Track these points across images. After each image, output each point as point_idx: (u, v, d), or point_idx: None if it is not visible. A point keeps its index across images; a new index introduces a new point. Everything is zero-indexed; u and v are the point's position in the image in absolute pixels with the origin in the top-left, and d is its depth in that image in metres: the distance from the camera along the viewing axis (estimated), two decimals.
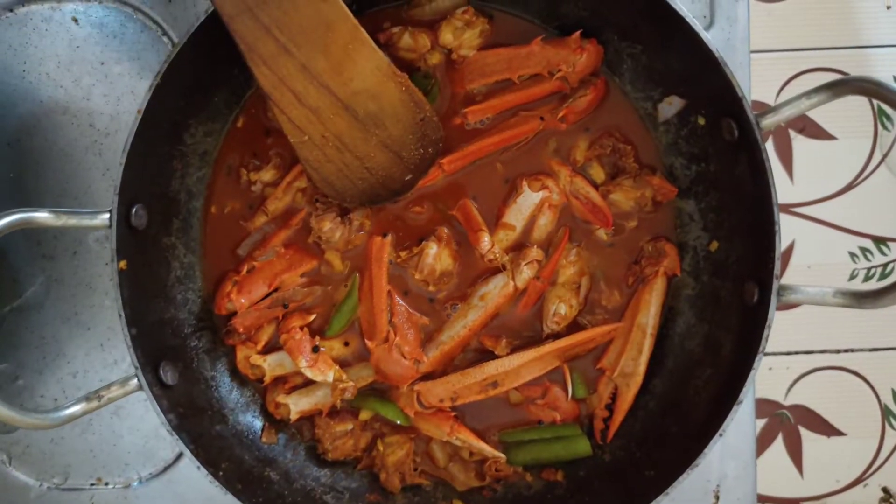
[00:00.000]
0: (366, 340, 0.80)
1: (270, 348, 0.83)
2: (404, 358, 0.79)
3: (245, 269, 0.81)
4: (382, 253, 0.80)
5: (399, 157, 0.77)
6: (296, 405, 0.81)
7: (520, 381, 0.80)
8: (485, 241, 0.79)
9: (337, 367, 0.80)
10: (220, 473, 0.71)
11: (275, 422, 0.83)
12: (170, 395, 0.72)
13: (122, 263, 0.69)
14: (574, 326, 0.82)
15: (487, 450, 0.80)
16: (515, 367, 0.79)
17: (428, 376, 0.81)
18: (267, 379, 0.82)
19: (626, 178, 0.81)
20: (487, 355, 0.81)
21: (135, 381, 0.68)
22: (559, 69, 0.79)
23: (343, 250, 0.82)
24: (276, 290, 0.81)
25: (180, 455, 0.88)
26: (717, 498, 0.91)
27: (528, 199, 0.81)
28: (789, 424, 1.29)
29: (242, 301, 0.80)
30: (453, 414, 0.81)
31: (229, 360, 0.83)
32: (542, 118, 0.81)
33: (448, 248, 0.81)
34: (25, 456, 0.89)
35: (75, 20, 0.88)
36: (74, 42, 0.88)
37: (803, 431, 1.29)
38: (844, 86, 0.63)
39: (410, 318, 0.81)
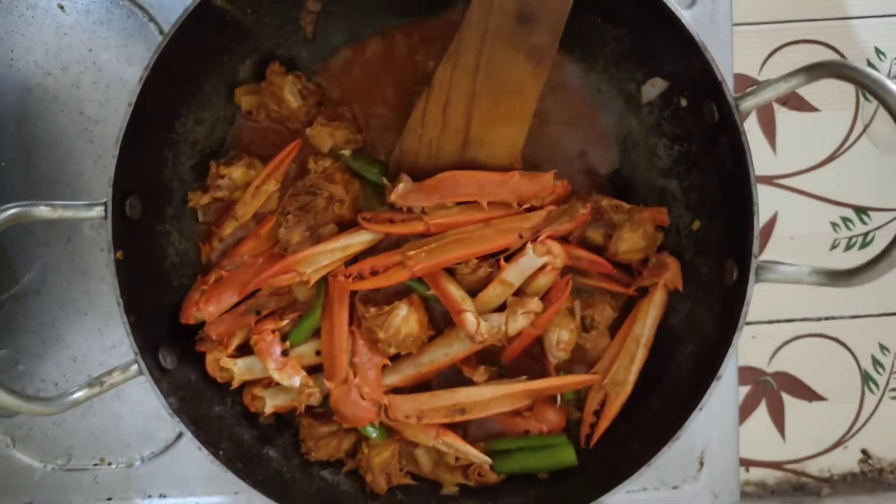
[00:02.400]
0: (325, 380, 0.79)
1: (241, 352, 0.82)
2: (363, 399, 0.78)
3: (213, 278, 0.80)
4: (344, 294, 0.79)
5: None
6: (272, 399, 0.81)
7: (487, 413, 0.80)
8: (470, 321, 0.77)
9: (304, 373, 0.79)
10: (221, 453, 0.73)
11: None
12: (169, 378, 0.74)
13: (119, 254, 0.70)
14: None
15: (474, 454, 0.81)
16: (485, 400, 0.79)
17: (399, 389, 0.81)
18: (235, 383, 0.80)
19: (620, 230, 0.81)
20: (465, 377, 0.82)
21: (135, 366, 0.70)
22: (529, 203, 0.80)
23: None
24: (248, 296, 0.81)
25: (180, 435, 0.91)
26: (702, 464, 0.94)
27: (531, 261, 0.79)
28: (772, 391, 1.33)
29: (211, 310, 0.79)
30: None
31: None
32: (520, 235, 0.79)
33: (418, 312, 0.80)
34: (29, 439, 0.91)
35: (61, 7, 0.88)
36: (61, 29, 0.88)
37: (786, 397, 1.32)
38: (821, 69, 0.64)
39: (372, 358, 0.80)
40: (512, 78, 0.74)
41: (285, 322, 0.81)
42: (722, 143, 0.72)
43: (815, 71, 0.64)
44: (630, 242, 0.80)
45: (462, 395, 0.80)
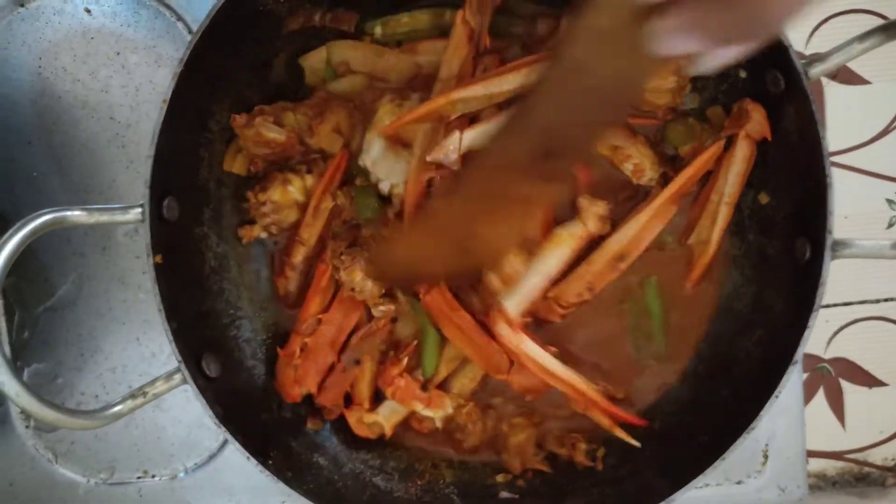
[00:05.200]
0: (497, 377, 0.78)
1: (377, 400, 0.82)
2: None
3: (297, 349, 0.79)
4: (449, 300, 0.77)
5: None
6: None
7: (643, 246, 0.78)
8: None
9: (450, 397, 0.79)
10: (270, 462, 0.70)
11: (317, 408, 0.82)
12: (214, 387, 0.71)
13: (158, 258, 0.67)
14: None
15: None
16: (636, 234, 0.77)
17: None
18: (388, 431, 0.80)
19: None
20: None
21: (179, 375, 0.67)
22: None
23: (380, 295, 0.79)
24: (342, 351, 0.80)
25: (224, 444, 0.88)
26: (766, 457, 0.90)
27: None
28: (830, 378, 1.27)
29: (311, 381, 0.79)
30: None
31: (268, 348, 0.82)
32: None
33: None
34: (71, 453, 0.89)
35: (88, 11, 0.87)
36: (88, 33, 0.87)
37: (844, 384, 1.27)
38: None
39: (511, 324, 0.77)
40: (517, 191, 0.65)
41: (405, 360, 0.79)
42: (788, 115, 0.68)
43: (894, 29, 0.60)
44: (661, 79, 0.74)
45: (613, 245, 0.77)
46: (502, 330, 0.75)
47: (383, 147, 0.78)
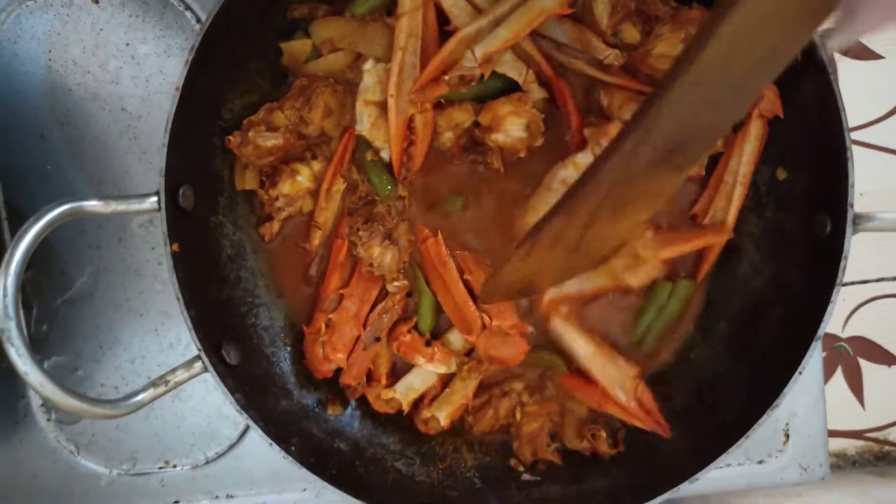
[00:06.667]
0: (465, 336, 0.79)
1: (395, 377, 0.82)
2: (509, 335, 0.78)
3: (323, 327, 0.80)
4: (440, 252, 0.79)
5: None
6: (441, 411, 0.80)
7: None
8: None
9: (454, 353, 0.80)
10: (292, 448, 0.70)
11: (337, 393, 0.82)
12: (234, 374, 0.71)
13: (175, 246, 0.67)
14: None
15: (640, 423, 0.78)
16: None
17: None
18: (406, 407, 0.80)
19: (661, 25, 0.73)
20: None
21: (199, 363, 0.68)
22: None
23: (398, 269, 0.80)
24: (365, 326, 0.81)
25: (244, 432, 0.88)
26: (788, 436, 0.89)
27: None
28: (848, 356, 1.26)
29: (340, 356, 0.79)
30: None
31: (287, 334, 0.82)
32: None
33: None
34: (92, 445, 0.90)
35: (96, 2, 0.86)
36: (97, 25, 0.86)
37: (863, 363, 1.26)
38: None
39: None
40: (641, 190, 0.62)
41: (415, 319, 0.81)
42: (805, 88, 0.67)
43: None
44: (667, 44, 0.72)
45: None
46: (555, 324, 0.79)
47: (376, 113, 0.78)
